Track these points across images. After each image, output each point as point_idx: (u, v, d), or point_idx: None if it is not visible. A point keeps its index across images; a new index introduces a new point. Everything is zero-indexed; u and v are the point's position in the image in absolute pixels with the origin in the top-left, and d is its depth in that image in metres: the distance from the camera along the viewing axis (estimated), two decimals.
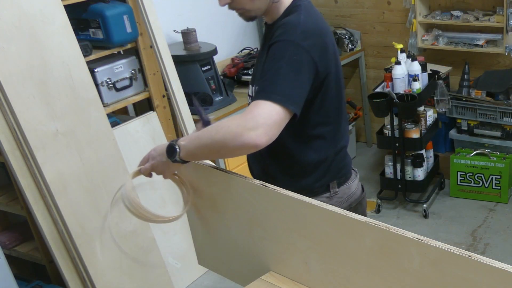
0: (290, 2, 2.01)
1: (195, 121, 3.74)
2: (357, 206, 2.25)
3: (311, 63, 1.86)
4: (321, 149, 2.07)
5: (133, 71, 3.64)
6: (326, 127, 2.06)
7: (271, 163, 2.13)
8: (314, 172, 2.10)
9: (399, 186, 4.43)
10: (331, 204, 2.02)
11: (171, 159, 1.83)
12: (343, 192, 2.19)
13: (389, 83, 4.24)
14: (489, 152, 4.52)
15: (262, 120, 1.68)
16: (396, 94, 4.12)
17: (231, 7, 1.98)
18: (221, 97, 4.09)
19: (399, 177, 4.42)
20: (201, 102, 3.92)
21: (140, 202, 1.95)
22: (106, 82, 3.47)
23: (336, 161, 2.13)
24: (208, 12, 4.49)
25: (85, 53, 3.29)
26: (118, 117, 3.71)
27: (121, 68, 3.58)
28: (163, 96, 3.81)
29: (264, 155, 2.09)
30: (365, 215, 2.23)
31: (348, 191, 2.22)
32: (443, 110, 4.52)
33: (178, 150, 1.81)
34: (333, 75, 1.98)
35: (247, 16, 2.03)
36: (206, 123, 2.07)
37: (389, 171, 4.48)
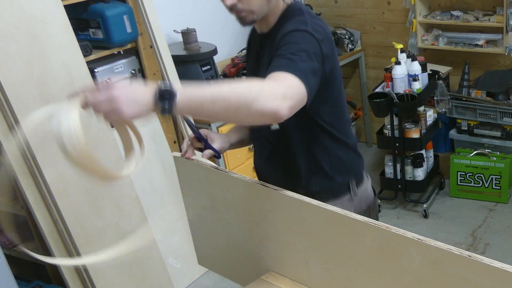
0: (284, 8, 1.98)
1: (195, 122, 3.76)
2: (373, 208, 2.26)
3: (321, 55, 1.83)
4: (341, 146, 2.07)
5: (133, 71, 3.66)
6: (339, 123, 2.05)
7: (293, 163, 2.04)
8: (337, 170, 2.08)
9: (399, 186, 4.43)
10: (353, 206, 2.13)
11: (160, 105, 1.46)
12: (361, 194, 2.19)
13: (389, 83, 4.24)
14: (489, 152, 4.52)
15: (292, 93, 1.60)
16: (396, 94, 4.13)
17: (236, 8, 1.89)
18: None
19: (399, 177, 4.42)
20: None
21: (87, 145, 1.51)
22: (106, 82, 3.44)
23: (353, 160, 2.14)
24: (208, 12, 4.48)
25: (85, 53, 3.31)
26: None
27: (121, 68, 3.59)
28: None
29: (290, 156, 2.04)
30: (377, 218, 2.22)
31: (365, 192, 2.21)
32: (443, 110, 4.53)
33: (176, 94, 1.47)
34: (338, 73, 1.98)
35: (248, 19, 1.96)
36: (198, 136, 2.04)
37: (389, 171, 4.48)
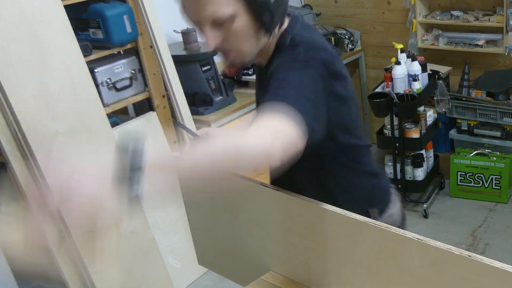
0: (280, 33, 1.77)
1: (195, 122, 3.82)
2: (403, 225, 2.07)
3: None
4: (356, 173, 1.94)
5: (133, 71, 3.67)
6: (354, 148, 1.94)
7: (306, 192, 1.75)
8: (353, 200, 1.91)
9: (399, 186, 4.44)
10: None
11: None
12: (385, 220, 1.91)
13: (389, 83, 4.26)
14: (489, 152, 4.54)
15: (277, 132, 1.50)
16: (396, 94, 4.14)
17: (222, 48, 1.71)
18: (221, 97, 4.11)
19: (399, 177, 4.44)
20: (201, 102, 3.93)
21: None
22: (106, 82, 3.49)
23: (372, 187, 1.99)
24: None
25: (85, 53, 3.31)
26: (118, 117, 3.75)
27: (121, 68, 3.61)
28: (163, 96, 3.83)
29: (295, 184, 1.84)
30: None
31: (390, 219, 1.99)
32: (443, 110, 4.54)
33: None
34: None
35: (239, 61, 1.78)
36: (195, 137, 2.03)
37: (389, 171, 4.49)
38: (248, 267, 2.06)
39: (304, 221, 1.73)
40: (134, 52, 3.72)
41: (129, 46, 3.66)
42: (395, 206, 2.02)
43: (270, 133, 1.37)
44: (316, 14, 5.28)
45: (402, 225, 2.04)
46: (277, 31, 1.73)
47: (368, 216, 1.84)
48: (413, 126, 4.34)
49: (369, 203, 1.93)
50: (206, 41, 1.66)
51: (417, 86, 4.17)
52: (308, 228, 1.73)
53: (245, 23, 1.61)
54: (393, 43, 4.50)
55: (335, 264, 1.72)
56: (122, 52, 3.76)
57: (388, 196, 2.00)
